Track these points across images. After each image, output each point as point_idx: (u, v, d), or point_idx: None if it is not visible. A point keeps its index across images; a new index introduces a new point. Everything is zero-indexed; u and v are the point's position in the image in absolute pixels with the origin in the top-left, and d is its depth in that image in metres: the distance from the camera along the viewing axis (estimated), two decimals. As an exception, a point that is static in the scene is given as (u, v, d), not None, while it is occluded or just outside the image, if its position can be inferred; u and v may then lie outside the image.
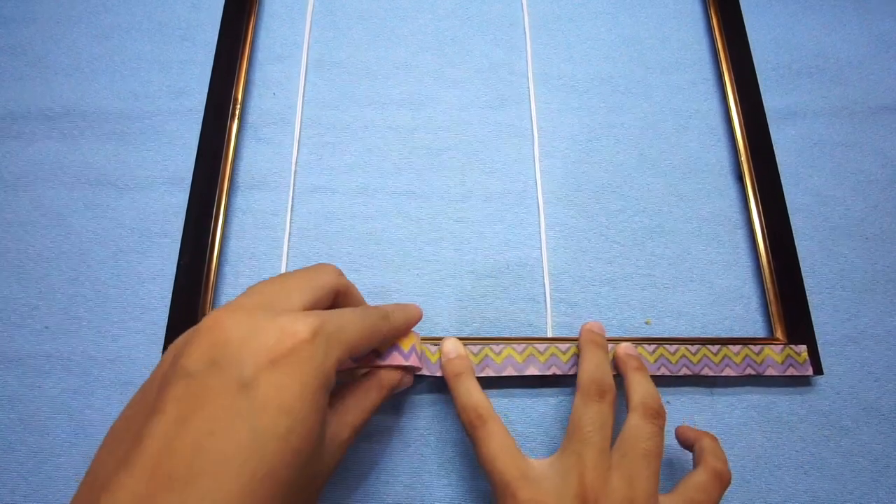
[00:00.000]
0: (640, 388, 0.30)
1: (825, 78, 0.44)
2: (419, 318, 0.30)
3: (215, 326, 0.21)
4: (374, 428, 0.33)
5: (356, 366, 0.28)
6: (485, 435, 0.28)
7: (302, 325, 0.21)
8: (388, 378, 0.28)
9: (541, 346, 0.34)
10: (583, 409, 0.28)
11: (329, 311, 0.24)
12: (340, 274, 0.27)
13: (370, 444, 0.33)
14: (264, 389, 0.20)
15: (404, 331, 0.29)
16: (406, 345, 0.29)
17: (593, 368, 0.30)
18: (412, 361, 0.29)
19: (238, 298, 0.23)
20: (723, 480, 0.28)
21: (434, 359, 0.32)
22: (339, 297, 0.27)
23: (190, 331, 0.22)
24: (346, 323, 0.24)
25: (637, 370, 0.31)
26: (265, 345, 0.21)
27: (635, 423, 0.28)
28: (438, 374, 0.32)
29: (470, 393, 0.30)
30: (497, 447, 0.27)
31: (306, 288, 0.24)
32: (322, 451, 0.23)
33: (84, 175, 0.38)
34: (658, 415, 0.29)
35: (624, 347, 0.33)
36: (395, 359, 0.28)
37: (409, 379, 0.30)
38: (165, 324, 0.34)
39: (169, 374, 0.21)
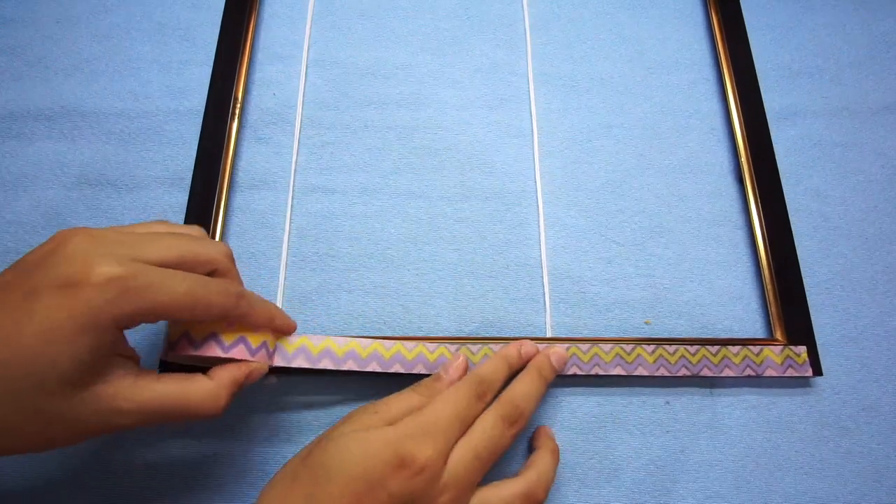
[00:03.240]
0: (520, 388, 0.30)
1: (825, 78, 0.44)
2: (287, 328, 0.30)
3: (65, 237, 0.23)
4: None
5: (196, 353, 0.27)
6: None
7: (103, 269, 0.22)
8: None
9: (540, 347, 0.34)
10: (457, 394, 0.28)
11: (157, 269, 0.23)
12: (228, 256, 0.27)
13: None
14: (42, 303, 0.22)
15: (258, 323, 0.28)
16: (256, 340, 0.28)
17: (490, 371, 0.30)
18: (259, 357, 0.28)
19: (107, 228, 0.25)
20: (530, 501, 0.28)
21: (315, 351, 0.31)
22: (217, 274, 0.27)
23: (70, 229, 0.24)
24: (161, 282, 0.23)
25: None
26: (65, 271, 0.22)
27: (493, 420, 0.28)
28: (317, 365, 0.30)
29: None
30: None
31: (172, 247, 0.25)
32: (68, 385, 0.22)
33: (84, 175, 0.38)
34: (514, 423, 0.29)
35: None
36: (241, 352, 0.28)
37: (253, 375, 0.28)
38: (165, 324, 0.34)
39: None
